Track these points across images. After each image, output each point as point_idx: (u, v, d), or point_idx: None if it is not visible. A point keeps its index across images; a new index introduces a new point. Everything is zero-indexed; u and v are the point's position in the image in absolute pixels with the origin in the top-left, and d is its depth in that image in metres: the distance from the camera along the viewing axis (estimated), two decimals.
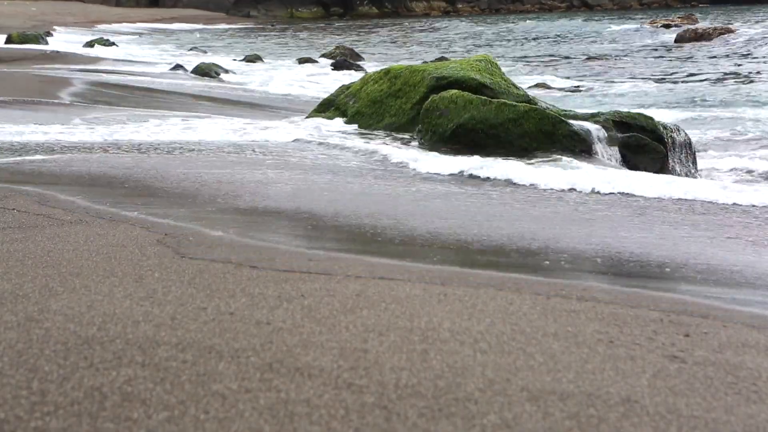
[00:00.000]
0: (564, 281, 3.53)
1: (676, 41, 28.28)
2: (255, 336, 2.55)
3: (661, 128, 8.71)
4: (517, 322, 2.86)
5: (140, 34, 42.86)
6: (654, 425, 2.10)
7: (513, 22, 45.99)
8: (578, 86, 17.67)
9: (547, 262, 3.99)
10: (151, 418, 1.98)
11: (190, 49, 29.32)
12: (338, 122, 9.72)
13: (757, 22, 36.09)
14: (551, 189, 6.45)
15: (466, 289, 3.25)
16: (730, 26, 31.18)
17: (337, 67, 22.26)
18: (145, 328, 2.58)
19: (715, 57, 23.30)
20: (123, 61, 23.22)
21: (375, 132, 9.35)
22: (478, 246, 4.26)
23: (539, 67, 23.17)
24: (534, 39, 34.83)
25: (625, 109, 9.58)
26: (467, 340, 2.62)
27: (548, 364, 2.46)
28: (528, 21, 48.23)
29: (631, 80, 18.79)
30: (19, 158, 6.51)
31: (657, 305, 3.21)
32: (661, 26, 35.59)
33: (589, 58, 24.87)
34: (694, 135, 9.71)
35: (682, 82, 18.35)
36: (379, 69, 10.36)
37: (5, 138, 7.51)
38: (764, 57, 22.40)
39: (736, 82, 17.79)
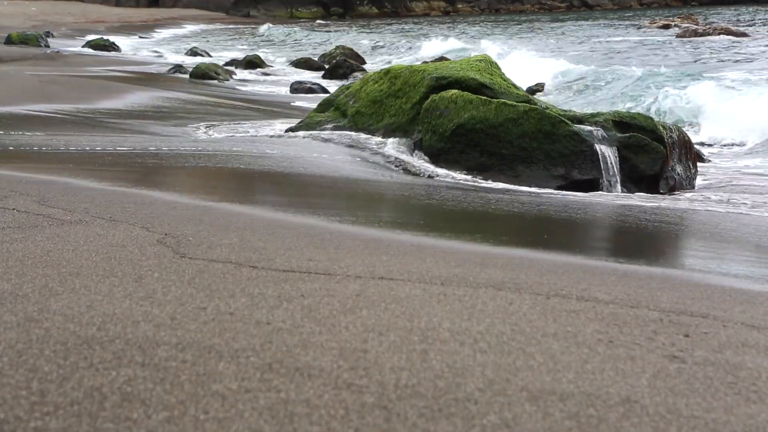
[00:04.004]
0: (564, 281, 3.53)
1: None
2: (255, 336, 2.55)
3: (661, 128, 8.71)
4: (517, 322, 2.85)
5: (139, 35, 42.84)
6: (654, 425, 2.10)
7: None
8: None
9: None
10: (150, 418, 1.98)
11: (190, 50, 29.31)
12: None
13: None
14: None
15: (466, 289, 3.25)
16: (731, 26, 31.15)
17: (333, 68, 22.17)
18: (145, 328, 2.57)
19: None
20: (131, 62, 23.22)
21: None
22: None
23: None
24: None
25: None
26: (467, 341, 2.62)
27: (548, 364, 2.46)
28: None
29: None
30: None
31: (657, 305, 3.21)
32: (660, 26, 35.57)
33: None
34: None
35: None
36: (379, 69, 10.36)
37: None
38: None
39: None
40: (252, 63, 24.28)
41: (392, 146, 8.96)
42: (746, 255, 5.35)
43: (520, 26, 43.79)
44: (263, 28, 48.20)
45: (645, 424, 2.10)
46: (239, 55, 27.18)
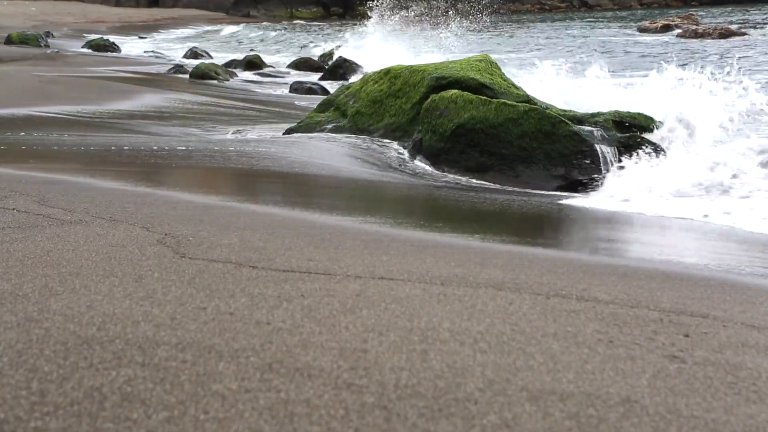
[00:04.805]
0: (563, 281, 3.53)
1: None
2: (255, 336, 2.55)
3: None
4: (517, 322, 2.85)
5: (139, 35, 42.83)
6: (654, 425, 2.10)
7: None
8: None
9: None
10: (150, 418, 1.98)
11: (190, 50, 29.30)
12: None
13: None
14: None
15: (466, 289, 3.25)
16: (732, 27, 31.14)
17: (333, 69, 22.12)
18: (145, 328, 2.58)
19: None
20: (131, 63, 23.23)
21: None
22: None
23: None
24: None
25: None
26: (467, 340, 2.62)
27: (548, 364, 2.46)
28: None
29: None
30: None
31: (657, 305, 3.21)
32: (660, 26, 35.53)
33: None
34: None
35: None
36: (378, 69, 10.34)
37: None
38: None
39: None
40: (252, 63, 24.25)
41: (392, 146, 8.97)
42: (731, 248, 5.36)
43: (516, 26, 43.73)
44: (227, 30, 46.07)
45: (645, 424, 2.10)
46: (239, 56, 27.14)
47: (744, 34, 30.10)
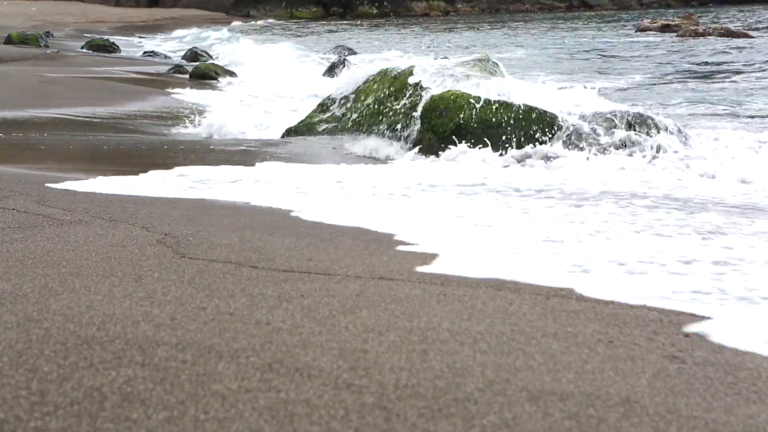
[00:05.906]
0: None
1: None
2: (255, 336, 2.55)
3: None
4: (517, 322, 2.86)
5: (139, 35, 42.81)
6: (654, 425, 2.10)
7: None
8: None
9: None
10: (150, 418, 1.98)
11: (189, 50, 29.26)
12: None
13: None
14: None
15: (466, 290, 3.25)
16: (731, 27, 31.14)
17: (332, 68, 22.02)
18: (145, 328, 2.58)
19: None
20: (131, 63, 23.23)
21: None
22: None
23: None
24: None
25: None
26: (467, 341, 2.62)
27: (548, 365, 2.46)
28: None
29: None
30: None
31: (657, 305, 3.21)
32: (659, 26, 35.52)
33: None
34: None
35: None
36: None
37: None
38: None
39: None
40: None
41: (392, 146, 8.97)
42: None
43: (510, 28, 43.53)
44: (179, 33, 41.19)
45: (645, 424, 2.10)
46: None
47: (745, 35, 30.07)
